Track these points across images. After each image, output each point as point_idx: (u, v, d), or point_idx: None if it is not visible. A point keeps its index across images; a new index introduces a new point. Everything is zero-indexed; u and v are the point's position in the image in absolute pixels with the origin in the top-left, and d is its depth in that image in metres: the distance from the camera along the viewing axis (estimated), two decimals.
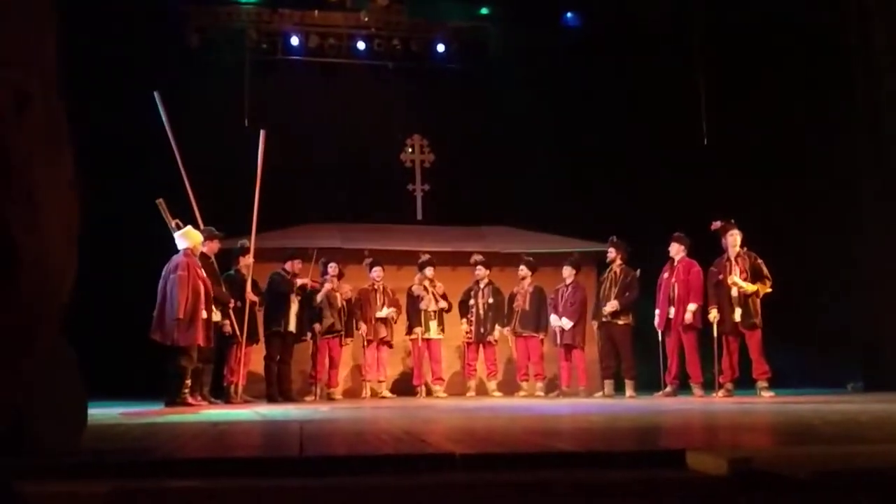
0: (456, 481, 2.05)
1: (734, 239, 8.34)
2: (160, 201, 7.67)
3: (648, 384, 9.20)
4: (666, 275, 8.90)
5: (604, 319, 9.32)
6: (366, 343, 10.04)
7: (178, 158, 8.02)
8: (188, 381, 7.46)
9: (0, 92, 0.45)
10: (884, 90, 9.35)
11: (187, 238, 7.65)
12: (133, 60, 10.14)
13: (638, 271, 9.35)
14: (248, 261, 8.76)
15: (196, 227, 8.01)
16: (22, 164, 0.46)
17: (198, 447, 2.99)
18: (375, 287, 10.20)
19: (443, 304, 10.24)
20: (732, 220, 8.42)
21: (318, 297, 9.53)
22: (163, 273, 7.48)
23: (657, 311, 8.92)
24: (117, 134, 9.56)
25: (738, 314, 8.15)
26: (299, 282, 9.22)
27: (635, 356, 9.26)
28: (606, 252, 9.62)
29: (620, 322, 9.25)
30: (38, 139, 0.48)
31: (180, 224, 7.72)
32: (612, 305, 9.19)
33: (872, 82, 9.56)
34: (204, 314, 7.55)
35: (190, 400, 7.45)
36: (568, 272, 9.94)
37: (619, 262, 9.44)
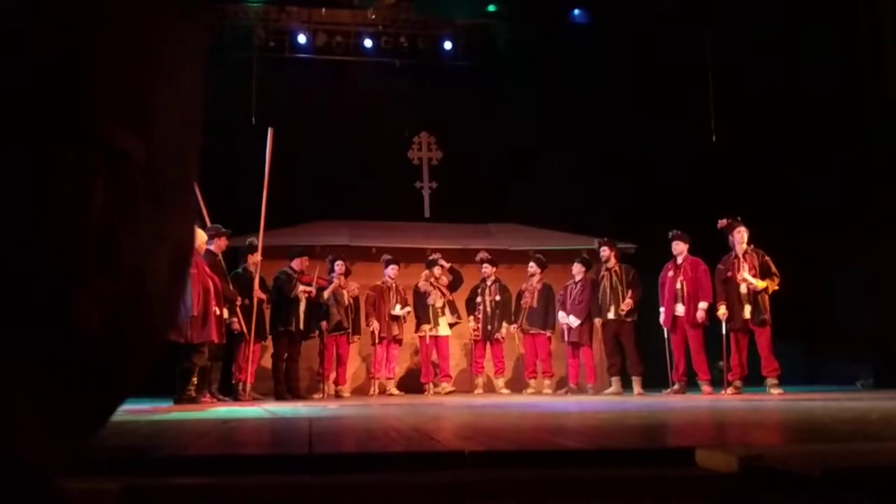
0: (466, 479, 2.05)
1: (741, 236, 8.31)
2: None
3: (652, 382, 9.20)
4: (671, 273, 8.87)
5: (611, 317, 9.31)
6: (378, 340, 10.03)
7: None
8: (195, 379, 7.48)
9: (86, 150, 0.42)
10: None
11: None
12: None
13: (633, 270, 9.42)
14: (256, 259, 8.77)
15: (202, 225, 8.02)
16: (102, 231, 0.43)
17: (207, 444, 2.99)
18: (389, 285, 10.20)
19: (440, 302, 10.21)
20: (739, 218, 8.39)
21: (326, 295, 9.53)
22: None
23: (662, 309, 8.91)
24: None
25: (747, 311, 8.12)
26: (301, 288, 9.18)
27: (640, 353, 9.27)
28: (600, 251, 9.61)
29: (628, 319, 9.26)
30: (140, 203, 0.44)
31: None
32: (627, 304, 9.20)
33: (884, 78, 9.51)
34: (216, 311, 7.57)
35: (195, 397, 7.46)
36: (578, 269, 9.92)
37: (613, 260, 9.46)
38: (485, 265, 10.38)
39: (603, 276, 9.54)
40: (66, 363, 0.42)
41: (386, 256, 10.28)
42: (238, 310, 8.46)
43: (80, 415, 0.45)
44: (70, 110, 0.40)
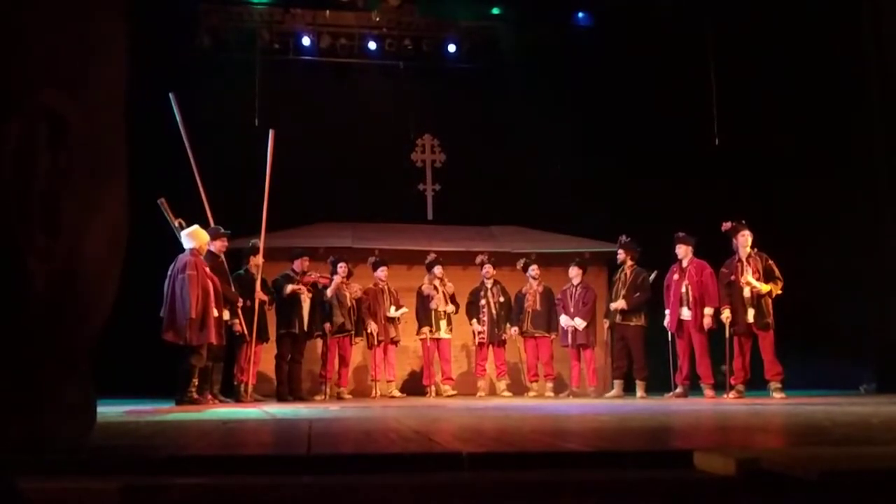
0: (463, 480, 2.05)
1: (745, 239, 8.29)
2: (162, 201, 7.69)
3: (657, 385, 9.18)
4: (676, 276, 8.85)
5: (617, 320, 9.30)
6: (377, 343, 10.03)
7: (191, 159, 8.03)
8: (195, 380, 7.49)
9: (30, 118, 0.43)
10: None
11: (194, 237, 7.66)
12: (144, 60, 10.14)
13: (654, 273, 9.32)
14: (258, 260, 8.78)
15: (205, 226, 8.03)
16: (48, 194, 0.44)
17: (206, 445, 3.00)
18: (381, 287, 10.20)
19: (450, 307, 10.22)
20: (743, 221, 8.38)
21: (329, 293, 9.53)
22: (169, 273, 7.48)
23: (667, 312, 8.89)
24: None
25: (750, 315, 8.10)
26: (290, 288, 9.15)
27: (647, 358, 9.25)
28: (616, 253, 9.59)
29: (633, 323, 9.24)
30: (76, 167, 0.45)
31: (183, 223, 7.73)
32: (619, 304, 9.18)
33: (887, 82, 9.49)
34: (215, 312, 7.58)
35: (197, 398, 7.47)
36: (575, 272, 9.93)
37: (629, 263, 9.43)
38: (486, 266, 10.37)
39: (618, 278, 9.54)
40: (13, 333, 0.42)
41: (372, 259, 10.27)
42: (239, 311, 8.47)
43: (25, 396, 0.45)
44: (10, 82, 0.41)
